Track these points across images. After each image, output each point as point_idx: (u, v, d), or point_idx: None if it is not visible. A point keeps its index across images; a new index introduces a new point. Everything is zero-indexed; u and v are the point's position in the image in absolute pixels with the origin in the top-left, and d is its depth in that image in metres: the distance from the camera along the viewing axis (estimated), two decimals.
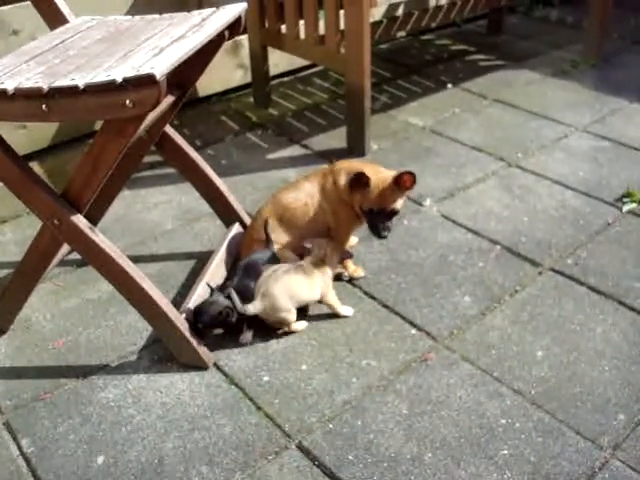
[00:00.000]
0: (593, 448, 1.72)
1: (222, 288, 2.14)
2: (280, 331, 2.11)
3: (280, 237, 2.24)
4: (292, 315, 2.09)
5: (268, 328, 2.11)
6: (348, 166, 2.22)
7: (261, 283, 2.07)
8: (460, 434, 1.77)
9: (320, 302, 2.15)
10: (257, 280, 2.09)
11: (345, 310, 2.18)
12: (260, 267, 2.13)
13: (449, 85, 3.81)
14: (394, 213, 2.17)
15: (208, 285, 2.11)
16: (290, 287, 2.07)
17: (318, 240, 2.18)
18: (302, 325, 2.13)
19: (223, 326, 2.04)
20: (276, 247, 2.21)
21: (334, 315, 2.17)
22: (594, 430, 1.77)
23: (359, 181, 2.10)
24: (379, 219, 2.16)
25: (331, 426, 1.81)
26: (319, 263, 2.13)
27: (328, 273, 2.15)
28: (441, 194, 2.81)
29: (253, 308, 2.03)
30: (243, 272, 2.14)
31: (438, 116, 3.47)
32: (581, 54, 4.08)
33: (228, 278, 2.25)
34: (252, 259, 2.16)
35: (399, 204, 2.16)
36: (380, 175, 2.14)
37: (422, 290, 2.27)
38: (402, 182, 2.11)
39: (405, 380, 1.94)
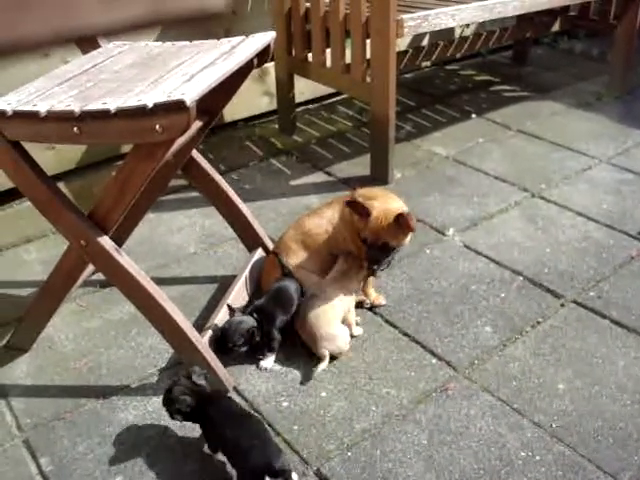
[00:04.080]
0: None
1: (244, 311, 2.16)
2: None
3: (302, 262, 2.25)
4: (346, 334, 2.12)
5: (289, 353, 2.11)
6: (367, 193, 2.21)
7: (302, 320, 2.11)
8: (479, 465, 1.76)
9: None
10: (282, 305, 2.12)
11: (357, 330, 2.20)
12: (287, 293, 2.15)
13: (473, 115, 3.83)
14: (388, 249, 2.11)
15: (229, 306, 2.12)
16: (335, 306, 2.11)
17: (346, 254, 2.21)
18: (347, 346, 2.14)
19: (249, 345, 2.05)
20: (298, 271, 2.22)
21: (354, 343, 2.16)
22: (615, 465, 1.75)
23: (355, 209, 2.11)
24: (372, 251, 2.11)
25: (349, 454, 1.80)
26: (344, 274, 2.16)
27: (351, 287, 2.17)
28: (464, 224, 2.81)
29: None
30: (271, 296, 2.15)
31: (462, 146, 3.48)
32: (605, 86, 4.09)
33: (250, 303, 2.26)
34: (281, 285, 2.17)
35: (395, 242, 2.10)
36: (386, 207, 2.10)
37: (443, 319, 2.27)
38: (405, 223, 2.05)
39: (425, 410, 1.93)
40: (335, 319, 2.11)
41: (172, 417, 1.80)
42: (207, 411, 1.76)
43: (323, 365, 2.05)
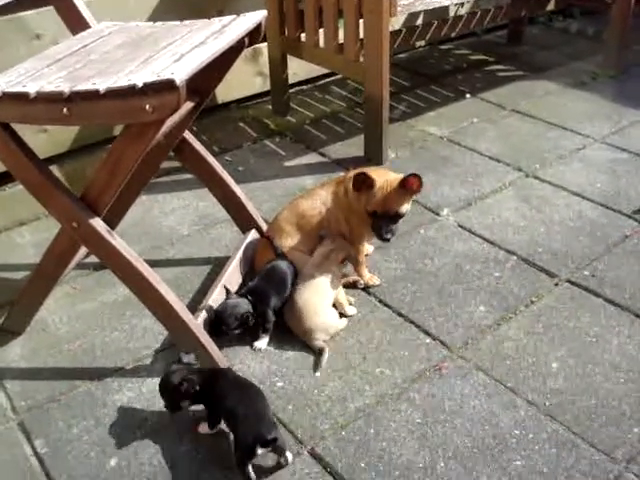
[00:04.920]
0: (607, 461, 1.71)
1: (238, 292, 2.16)
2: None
3: (296, 243, 2.25)
4: (335, 317, 2.13)
5: (283, 334, 2.11)
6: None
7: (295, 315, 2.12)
8: (473, 444, 1.76)
9: None
10: (275, 286, 2.12)
11: (350, 310, 2.20)
12: (280, 274, 2.15)
13: (468, 95, 3.81)
14: (398, 216, 2.15)
15: (225, 287, 2.12)
16: (322, 292, 2.11)
17: (333, 235, 2.22)
18: (343, 323, 2.15)
19: (244, 328, 2.05)
20: (292, 252, 2.23)
21: (348, 323, 2.17)
22: (608, 443, 1.76)
23: (362, 182, 2.11)
24: (382, 221, 2.14)
25: (344, 433, 1.81)
26: (326, 257, 2.16)
27: (333, 270, 2.16)
28: (458, 204, 2.80)
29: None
30: (263, 276, 2.16)
31: (456, 126, 3.47)
32: (601, 65, 4.07)
33: (244, 284, 2.26)
34: (274, 265, 2.17)
35: (404, 208, 2.15)
36: (387, 178, 2.14)
37: (437, 299, 2.27)
38: (409, 185, 2.11)
39: (419, 389, 1.94)
40: (322, 306, 2.11)
41: (176, 408, 1.81)
42: (213, 386, 1.77)
43: (326, 355, 2.05)
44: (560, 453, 1.73)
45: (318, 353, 2.06)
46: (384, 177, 2.15)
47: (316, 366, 2.02)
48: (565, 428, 1.80)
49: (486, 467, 1.70)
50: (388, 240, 2.17)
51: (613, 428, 1.80)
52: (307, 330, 2.08)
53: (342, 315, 2.17)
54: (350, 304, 2.22)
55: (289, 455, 1.71)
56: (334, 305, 2.17)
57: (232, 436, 1.71)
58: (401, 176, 2.14)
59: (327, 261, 2.16)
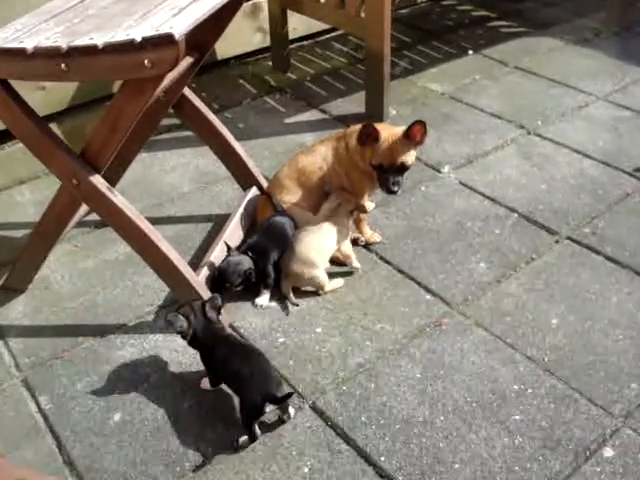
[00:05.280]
0: (605, 416, 1.73)
1: (239, 249, 2.16)
2: (321, 292, 2.14)
3: (297, 199, 2.25)
4: (324, 273, 2.12)
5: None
6: None
7: (288, 252, 2.13)
8: (472, 399, 1.78)
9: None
10: (275, 241, 2.13)
11: (356, 263, 2.20)
12: (280, 229, 2.15)
13: (470, 51, 3.77)
14: (404, 168, 2.14)
15: (226, 244, 2.13)
16: (316, 243, 2.12)
17: (337, 189, 2.22)
18: (339, 283, 2.16)
19: (246, 284, 2.06)
20: (293, 208, 2.23)
21: (348, 279, 2.17)
22: (606, 398, 1.78)
23: (368, 135, 2.10)
24: (389, 174, 2.13)
25: (344, 388, 1.83)
26: (335, 211, 2.16)
27: (344, 222, 2.18)
28: (459, 161, 2.79)
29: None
30: (263, 232, 2.16)
31: (458, 82, 3.44)
32: (604, 22, 4.02)
33: (245, 240, 2.26)
34: (273, 221, 2.17)
35: (409, 158, 2.13)
36: (390, 130, 2.13)
37: (438, 256, 2.28)
38: (413, 134, 2.10)
39: (419, 344, 1.95)
40: (318, 251, 2.12)
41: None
42: (214, 346, 1.78)
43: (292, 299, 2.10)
44: (558, 407, 1.75)
45: (283, 296, 2.11)
46: (387, 129, 2.14)
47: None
48: (564, 383, 1.82)
49: (485, 421, 1.72)
50: (395, 192, 2.15)
51: (611, 384, 1.82)
52: (294, 274, 2.10)
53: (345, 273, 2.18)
54: (356, 268, 2.22)
55: (291, 410, 1.73)
56: (339, 259, 2.19)
57: (236, 399, 1.73)
58: (403, 127, 2.13)
59: (335, 215, 2.16)
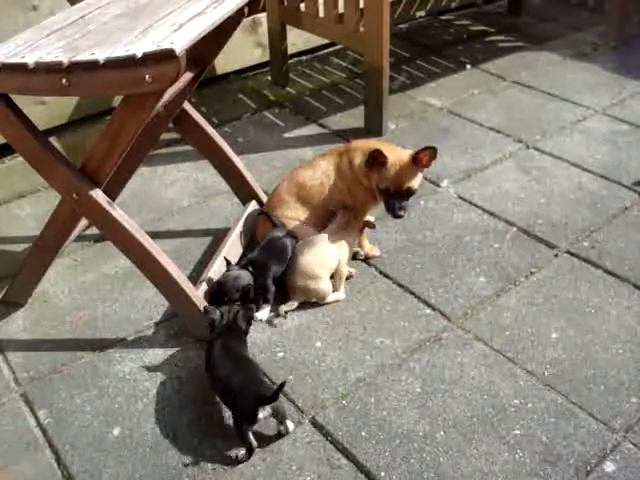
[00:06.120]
0: (605, 430, 1.72)
1: (238, 263, 2.16)
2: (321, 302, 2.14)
3: (297, 214, 2.25)
4: (327, 283, 2.12)
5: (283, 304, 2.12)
6: (364, 145, 2.21)
7: (291, 266, 2.14)
8: (472, 413, 1.78)
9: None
10: (275, 256, 2.13)
11: (340, 295, 2.18)
12: (280, 244, 2.15)
13: (468, 66, 3.78)
14: (411, 192, 2.14)
15: (225, 258, 2.13)
16: (317, 254, 2.12)
17: (342, 209, 2.22)
18: (341, 296, 2.16)
19: (245, 299, 2.06)
20: (293, 223, 2.23)
21: (348, 294, 2.18)
22: (607, 412, 1.77)
23: (376, 159, 2.09)
24: (396, 198, 2.13)
25: (344, 403, 1.82)
26: (343, 229, 2.17)
27: (349, 241, 2.18)
28: (458, 175, 2.80)
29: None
30: (263, 247, 2.15)
31: (456, 97, 3.45)
32: (601, 36, 4.04)
33: (244, 255, 2.26)
34: (274, 235, 2.17)
35: (416, 183, 2.13)
36: (397, 154, 2.12)
37: (437, 270, 2.28)
38: (419, 160, 2.10)
39: (419, 359, 1.95)
40: (321, 262, 2.12)
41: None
42: (212, 343, 1.83)
43: (292, 307, 2.11)
44: (559, 422, 1.75)
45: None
46: (395, 153, 2.12)
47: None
48: (564, 397, 1.82)
49: (485, 436, 1.72)
50: (401, 217, 2.15)
51: (611, 398, 1.81)
52: (299, 288, 2.11)
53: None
54: (351, 276, 2.23)
55: (290, 424, 1.73)
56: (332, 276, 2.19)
57: (226, 410, 1.75)
58: (409, 151, 2.13)
59: (344, 232, 2.17)
